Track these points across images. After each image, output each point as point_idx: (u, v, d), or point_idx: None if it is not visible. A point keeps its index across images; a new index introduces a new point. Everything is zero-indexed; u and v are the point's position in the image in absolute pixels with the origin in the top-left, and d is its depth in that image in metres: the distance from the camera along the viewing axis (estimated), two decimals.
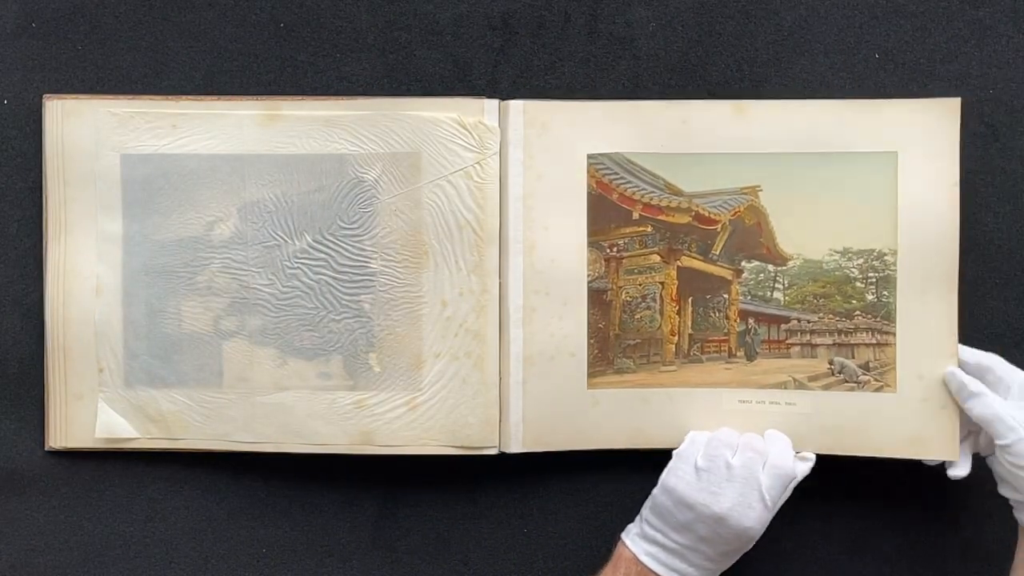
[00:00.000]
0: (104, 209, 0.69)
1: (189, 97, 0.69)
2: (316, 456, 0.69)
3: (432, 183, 0.67)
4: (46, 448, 0.71)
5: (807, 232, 0.67)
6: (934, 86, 0.68)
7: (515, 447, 0.67)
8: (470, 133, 0.66)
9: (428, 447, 0.67)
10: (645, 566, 0.61)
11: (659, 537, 0.61)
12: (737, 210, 0.67)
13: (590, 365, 0.67)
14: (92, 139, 0.68)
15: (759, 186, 0.67)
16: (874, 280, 0.66)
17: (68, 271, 0.69)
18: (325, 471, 0.71)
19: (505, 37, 0.70)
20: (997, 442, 0.60)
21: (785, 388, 0.67)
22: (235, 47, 0.70)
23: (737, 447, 0.62)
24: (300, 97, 0.69)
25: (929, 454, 0.65)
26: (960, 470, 0.64)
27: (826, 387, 0.67)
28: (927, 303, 0.65)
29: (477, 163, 0.67)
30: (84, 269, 0.69)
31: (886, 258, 0.66)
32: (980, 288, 0.68)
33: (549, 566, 0.70)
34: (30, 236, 0.71)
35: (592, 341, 0.67)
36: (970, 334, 0.66)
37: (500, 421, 0.67)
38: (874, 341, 0.66)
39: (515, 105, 0.67)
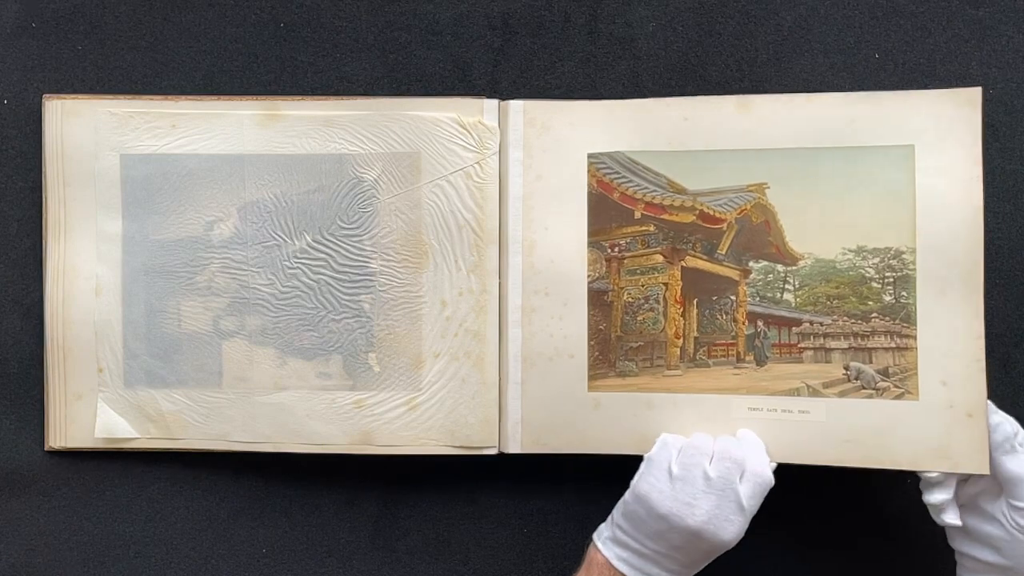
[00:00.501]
0: (104, 209, 0.69)
1: (189, 97, 0.69)
2: (316, 456, 0.69)
3: (432, 183, 0.67)
4: (46, 448, 0.71)
5: (818, 230, 0.64)
6: (934, 86, 0.68)
7: (514, 447, 0.67)
8: (469, 133, 0.66)
9: (428, 447, 0.67)
10: (618, 571, 0.59)
11: (631, 543, 0.59)
12: (743, 208, 0.65)
13: (591, 367, 0.66)
14: (92, 139, 0.68)
15: (766, 183, 0.64)
16: (891, 280, 0.63)
17: (68, 271, 0.69)
18: (325, 471, 0.71)
19: (505, 37, 0.70)
20: (1015, 502, 0.57)
21: (798, 395, 0.64)
22: (235, 47, 0.70)
23: (713, 455, 0.59)
24: (300, 97, 0.69)
25: (955, 467, 0.60)
26: (954, 518, 0.60)
27: (842, 394, 0.63)
28: (950, 303, 0.61)
29: (477, 163, 0.67)
30: (84, 269, 0.69)
31: (904, 256, 0.62)
32: None
33: (549, 566, 0.70)
34: (30, 236, 0.71)
35: (593, 343, 0.66)
36: None
37: (499, 421, 0.67)
38: (893, 345, 0.63)
39: (515, 105, 0.67)
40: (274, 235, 0.68)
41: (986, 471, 0.59)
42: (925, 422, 0.61)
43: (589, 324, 0.66)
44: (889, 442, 0.62)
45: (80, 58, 0.71)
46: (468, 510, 0.71)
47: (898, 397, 0.62)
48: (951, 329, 0.62)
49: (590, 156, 0.66)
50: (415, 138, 0.67)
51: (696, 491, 0.58)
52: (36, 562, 0.71)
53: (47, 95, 0.69)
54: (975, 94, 0.62)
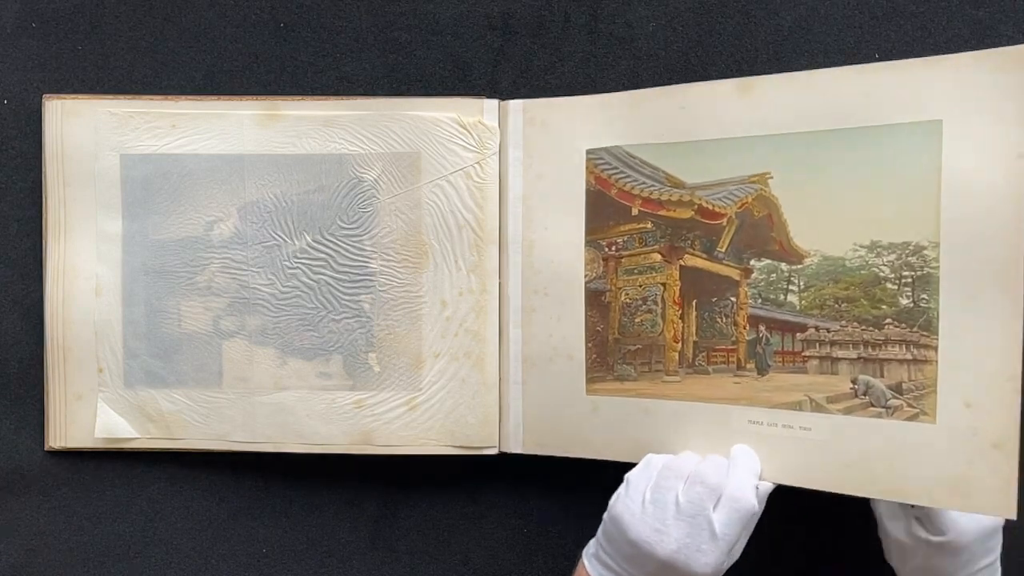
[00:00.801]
0: (104, 209, 0.69)
1: (189, 97, 0.69)
2: (316, 456, 0.69)
3: (432, 183, 0.67)
4: (46, 448, 0.71)
5: (826, 224, 0.56)
6: None
7: (515, 447, 0.67)
8: (469, 133, 0.66)
9: (428, 447, 0.67)
10: None
11: (611, 563, 0.57)
12: (744, 201, 0.59)
13: (588, 370, 0.64)
14: (92, 139, 0.68)
15: (768, 173, 0.58)
16: (909, 280, 0.54)
17: (68, 271, 0.69)
18: (325, 471, 0.71)
19: (505, 37, 0.70)
20: (934, 538, 0.55)
21: (800, 409, 0.57)
22: (235, 47, 0.70)
23: (688, 478, 0.55)
24: (300, 97, 0.69)
25: (975, 506, 0.51)
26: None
27: (847, 411, 0.56)
28: (980, 309, 0.51)
29: (477, 163, 0.67)
30: (84, 269, 0.69)
31: (925, 253, 0.53)
32: None
33: (549, 566, 0.70)
34: (30, 236, 0.71)
35: (590, 344, 0.64)
36: None
37: (500, 421, 0.67)
38: (909, 356, 0.54)
39: (514, 105, 0.66)
40: (274, 235, 0.68)
41: (1012, 515, 0.51)
42: (942, 450, 0.52)
43: (587, 325, 0.64)
44: (898, 470, 0.53)
45: (80, 58, 0.71)
46: (468, 510, 0.71)
47: (911, 418, 0.54)
48: (981, 340, 0.51)
49: (588, 152, 0.64)
50: (415, 138, 0.67)
51: (667, 517, 0.54)
52: (36, 562, 0.71)
53: (47, 95, 0.69)
54: (1020, 54, 0.51)
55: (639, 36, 0.69)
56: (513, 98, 0.67)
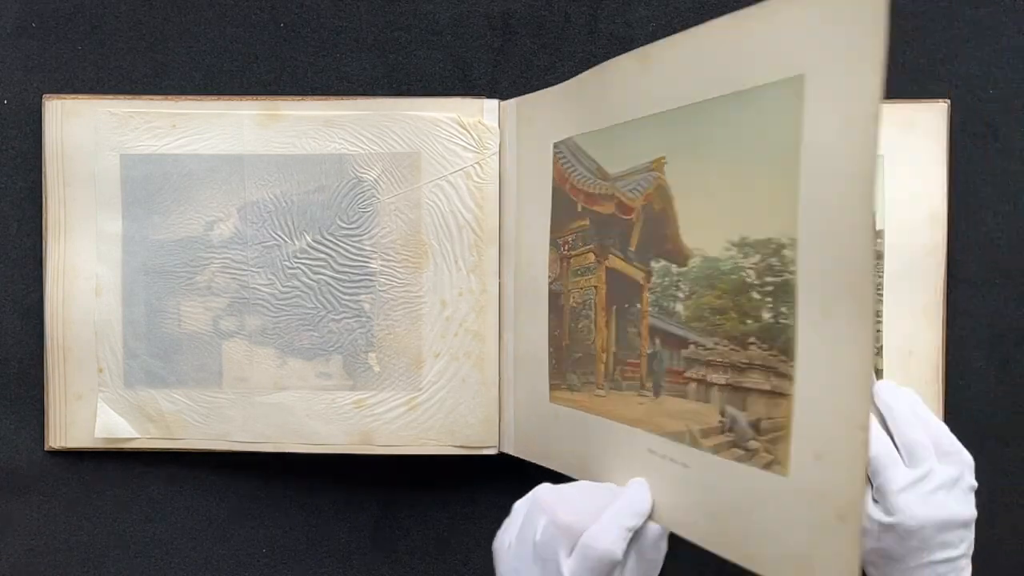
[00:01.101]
0: (104, 209, 0.69)
1: (189, 97, 0.69)
2: (316, 456, 0.69)
3: (432, 183, 0.67)
4: (46, 448, 0.71)
5: (705, 218, 0.45)
6: (933, 86, 0.68)
7: (511, 449, 0.67)
8: (469, 133, 0.66)
9: (428, 447, 0.67)
10: None
11: None
12: (648, 193, 0.49)
13: (551, 376, 0.60)
14: (92, 139, 0.68)
15: (663, 158, 0.48)
16: (771, 289, 0.41)
17: (68, 271, 0.69)
18: (325, 471, 0.71)
19: (505, 37, 0.70)
20: (885, 519, 0.50)
21: (682, 441, 0.47)
22: (235, 47, 0.71)
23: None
24: (300, 97, 0.69)
25: None
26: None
27: (716, 449, 0.45)
28: (835, 330, 0.38)
29: (477, 163, 0.67)
30: (84, 269, 0.69)
31: (784, 253, 0.40)
32: (981, 288, 0.67)
33: None
34: (30, 236, 0.71)
35: (552, 349, 0.59)
36: (970, 335, 0.66)
37: (499, 421, 0.67)
38: (768, 387, 0.42)
39: (511, 104, 0.66)
40: (274, 235, 0.68)
41: None
42: (790, 513, 0.40)
43: (549, 329, 0.60)
44: (751, 531, 0.42)
45: (80, 58, 0.71)
46: (468, 510, 0.71)
47: (767, 466, 0.42)
48: (834, 371, 0.38)
49: (554, 146, 0.59)
50: (415, 138, 0.67)
51: (525, 558, 0.48)
52: (36, 562, 0.71)
53: (47, 95, 0.69)
54: None
55: (639, 36, 0.69)
56: (513, 98, 0.67)
